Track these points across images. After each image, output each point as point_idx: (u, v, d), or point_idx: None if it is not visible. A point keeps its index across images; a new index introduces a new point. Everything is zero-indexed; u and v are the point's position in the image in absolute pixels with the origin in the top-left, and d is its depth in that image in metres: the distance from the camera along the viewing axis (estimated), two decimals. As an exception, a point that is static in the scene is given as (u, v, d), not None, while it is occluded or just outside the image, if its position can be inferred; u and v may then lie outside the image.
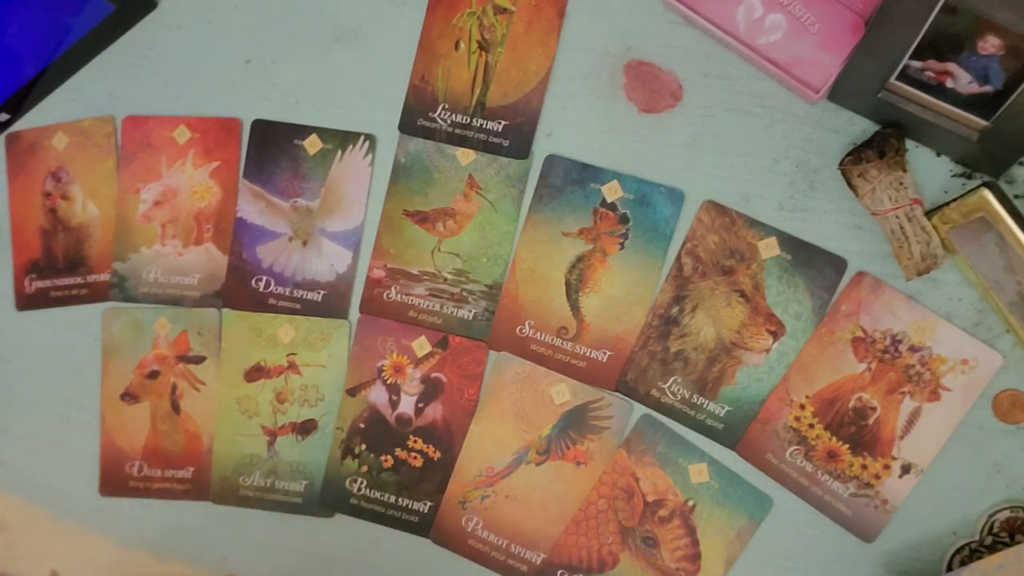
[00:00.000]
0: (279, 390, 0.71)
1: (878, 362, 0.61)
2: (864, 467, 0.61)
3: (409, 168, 0.69)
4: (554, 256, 0.66)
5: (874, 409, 0.61)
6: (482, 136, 0.67)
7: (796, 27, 0.60)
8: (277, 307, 0.71)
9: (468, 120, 0.67)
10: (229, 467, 0.72)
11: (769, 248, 0.63)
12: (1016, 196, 0.59)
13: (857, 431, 0.61)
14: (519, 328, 0.67)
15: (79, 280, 0.75)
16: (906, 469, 0.61)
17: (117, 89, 0.74)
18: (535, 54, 0.67)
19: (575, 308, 0.66)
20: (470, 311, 0.68)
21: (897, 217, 0.58)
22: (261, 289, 0.71)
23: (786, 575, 0.64)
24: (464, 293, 0.68)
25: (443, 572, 0.69)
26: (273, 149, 0.71)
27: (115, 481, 0.75)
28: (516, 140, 0.67)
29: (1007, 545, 0.60)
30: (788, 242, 0.62)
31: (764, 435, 0.63)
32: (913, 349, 0.60)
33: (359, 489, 0.70)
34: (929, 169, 0.60)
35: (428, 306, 0.68)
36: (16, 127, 0.77)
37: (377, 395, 0.70)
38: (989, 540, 0.60)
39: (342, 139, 0.70)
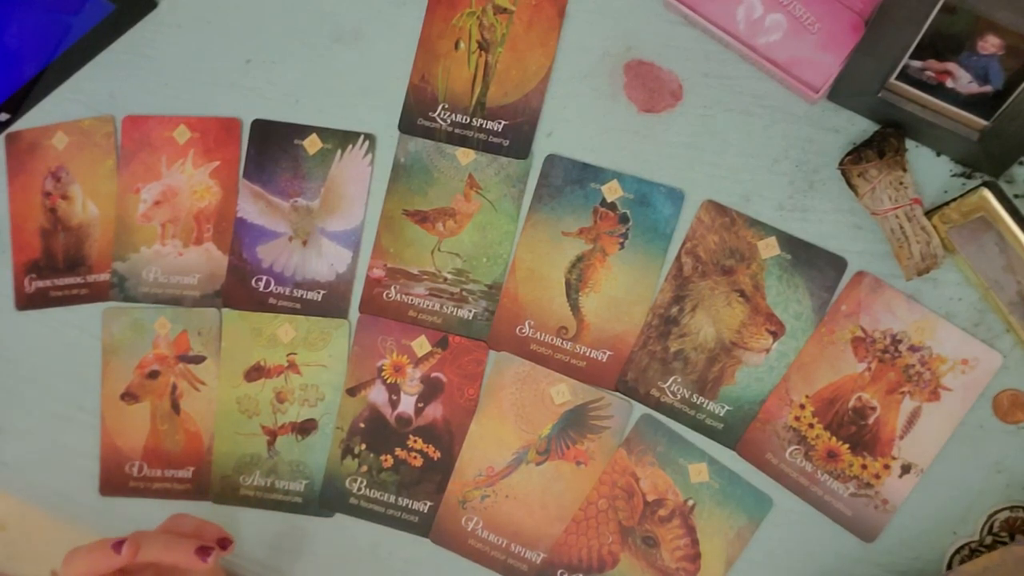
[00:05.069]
0: (279, 390, 0.71)
1: (878, 362, 0.61)
2: (864, 467, 0.61)
3: (409, 168, 0.69)
4: (554, 256, 0.66)
5: (874, 409, 0.61)
6: (482, 136, 0.67)
7: (796, 27, 0.60)
8: (277, 307, 0.71)
9: (468, 120, 0.67)
10: (229, 467, 0.72)
11: (769, 248, 0.63)
12: (1016, 196, 0.59)
13: (857, 431, 0.61)
14: (519, 328, 0.67)
15: (79, 280, 0.75)
16: (906, 469, 0.61)
17: (117, 89, 0.74)
18: (535, 54, 0.67)
19: (575, 308, 0.66)
20: (470, 311, 0.68)
21: (897, 217, 0.58)
22: (261, 289, 0.71)
23: (786, 575, 0.64)
24: (464, 293, 0.68)
25: (443, 572, 0.69)
26: (273, 149, 0.71)
27: (115, 481, 0.75)
28: (516, 140, 0.67)
29: (1007, 545, 0.60)
30: (788, 242, 0.62)
31: (764, 435, 0.63)
32: (913, 349, 0.60)
33: (359, 489, 0.70)
34: (929, 169, 0.60)
35: (428, 306, 0.68)
36: (16, 127, 0.77)
37: (377, 395, 0.70)
38: (989, 540, 0.60)
39: (342, 139, 0.70)
